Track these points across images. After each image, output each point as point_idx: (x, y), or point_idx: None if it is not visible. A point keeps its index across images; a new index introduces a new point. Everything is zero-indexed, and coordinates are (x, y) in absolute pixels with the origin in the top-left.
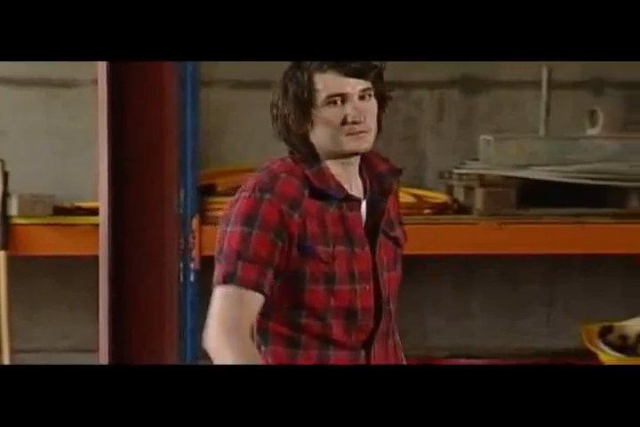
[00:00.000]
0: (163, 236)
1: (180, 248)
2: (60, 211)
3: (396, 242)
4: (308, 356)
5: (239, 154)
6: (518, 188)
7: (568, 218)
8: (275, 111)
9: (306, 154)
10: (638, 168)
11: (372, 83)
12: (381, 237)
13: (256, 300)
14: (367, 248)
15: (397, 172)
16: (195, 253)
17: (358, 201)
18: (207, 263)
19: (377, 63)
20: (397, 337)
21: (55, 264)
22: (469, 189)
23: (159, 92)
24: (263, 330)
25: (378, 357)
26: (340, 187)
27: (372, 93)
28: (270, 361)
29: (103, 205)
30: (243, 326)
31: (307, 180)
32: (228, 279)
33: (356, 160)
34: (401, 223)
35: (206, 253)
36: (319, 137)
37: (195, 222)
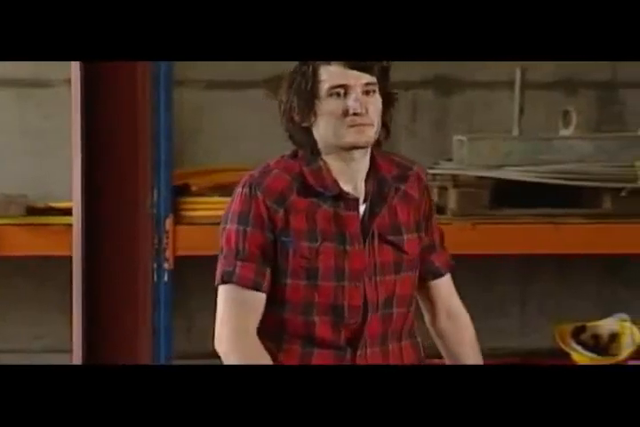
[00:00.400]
0: (136, 236)
1: (153, 248)
2: (33, 211)
3: (398, 248)
4: (290, 352)
5: (213, 154)
6: (492, 188)
7: (541, 218)
8: (281, 107)
9: (308, 149)
10: (611, 168)
11: (377, 78)
12: (376, 240)
13: (256, 298)
14: (361, 247)
15: (403, 179)
16: (168, 254)
17: (356, 200)
18: (181, 263)
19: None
20: (408, 342)
21: (28, 264)
22: (443, 190)
23: (133, 92)
24: None
25: (372, 361)
26: (334, 185)
27: (377, 89)
28: None
29: (77, 205)
30: (248, 326)
31: (301, 176)
32: (226, 278)
33: (362, 157)
34: (422, 231)
35: (180, 253)
36: (322, 130)
37: (168, 222)
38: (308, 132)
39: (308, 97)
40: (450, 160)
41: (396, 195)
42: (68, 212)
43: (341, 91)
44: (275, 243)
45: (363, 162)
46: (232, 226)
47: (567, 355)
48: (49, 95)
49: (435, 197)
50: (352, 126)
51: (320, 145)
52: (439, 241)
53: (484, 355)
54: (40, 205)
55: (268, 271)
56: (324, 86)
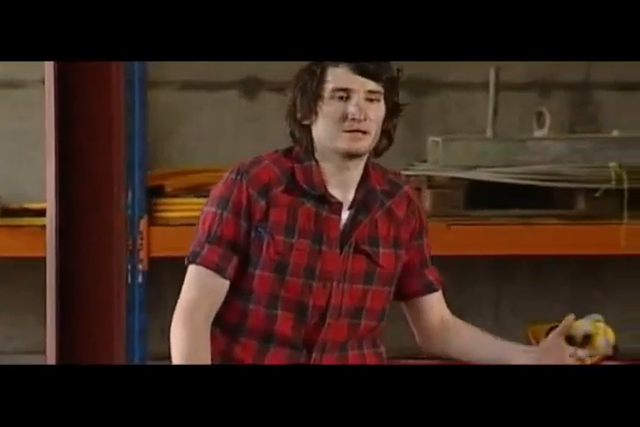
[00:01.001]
0: (110, 237)
1: (128, 249)
2: (7, 212)
3: (372, 259)
4: (246, 346)
5: (188, 155)
6: (466, 189)
7: (516, 219)
8: (288, 103)
9: (304, 147)
10: (585, 169)
11: (384, 87)
12: (353, 248)
13: (216, 282)
14: (337, 251)
15: (391, 195)
16: (143, 255)
17: (339, 204)
18: (156, 264)
19: (394, 69)
20: (371, 350)
21: (2, 266)
22: (417, 191)
23: (107, 92)
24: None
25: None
26: (321, 185)
27: (381, 98)
28: (211, 344)
29: (51, 206)
30: (198, 308)
31: (291, 172)
32: (192, 258)
33: (355, 167)
34: (402, 249)
35: (155, 254)
36: (319, 131)
37: (143, 223)
38: (308, 130)
39: (312, 96)
40: (424, 161)
41: (381, 208)
42: (42, 213)
43: (344, 94)
44: (248, 232)
45: (355, 171)
46: (210, 208)
47: None
48: (23, 96)
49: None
50: (347, 131)
51: (316, 145)
52: (430, 259)
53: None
54: (14, 206)
55: (236, 259)
56: (328, 87)
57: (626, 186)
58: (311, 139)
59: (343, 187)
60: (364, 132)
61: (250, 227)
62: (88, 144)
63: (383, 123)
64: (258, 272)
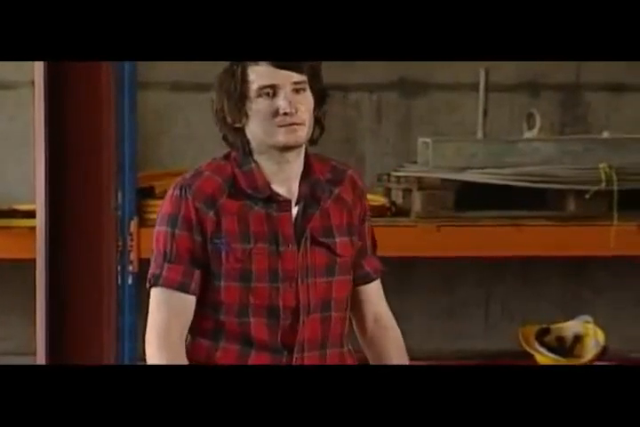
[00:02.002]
0: (100, 238)
1: (117, 251)
2: None
3: (331, 250)
4: (227, 351)
5: (178, 156)
6: (456, 190)
7: (506, 220)
8: (213, 108)
9: (240, 150)
10: (575, 171)
11: (308, 76)
12: (309, 242)
13: (183, 301)
14: (294, 249)
15: (337, 182)
16: (133, 256)
17: (288, 202)
18: (146, 266)
19: None
20: (346, 349)
21: None
22: (407, 192)
23: (97, 93)
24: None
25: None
26: (266, 186)
27: (306, 88)
28: (191, 353)
29: (40, 207)
30: (171, 330)
31: (233, 178)
32: (154, 281)
33: (295, 159)
34: (354, 235)
35: (145, 255)
36: (253, 130)
37: (133, 225)
38: (241, 132)
39: (238, 98)
40: (414, 162)
41: (330, 198)
42: (31, 214)
43: (270, 91)
44: (205, 245)
45: (296, 163)
46: (161, 228)
47: (531, 357)
48: (13, 97)
49: (399, 200)
50: (282, 126)
51: (253, 145)
52: (371, 246)
53: (449, 357)
54: (3, 207)
55: (198, 273)
56: (253, 87)
57: (615, 187)
58: (246, 140)
59: (287, 183)
60: (299, 124)
61: (205, 240)
62: (78, 145)
63: (313, 111)
64: (223, 284)
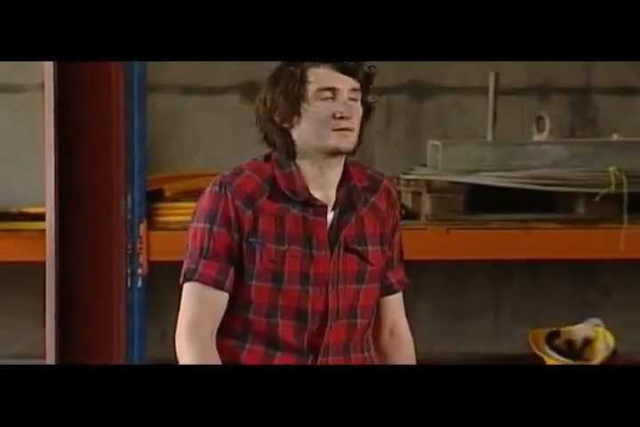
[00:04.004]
0: (110, 241)
1: (127, 254)
2: (5, 217)
3: (363, 258)
4: (253, 351)
5: (187, 159)
6: (466, 193)
7: (515, 223)
8: (261, 107)
9: (284, 151)
10: (585, 174)
11: (360, 84)
12: (342, 248)
13: (217, 297)
14: (327, 254)
15: (373, 191)
16: (142, 259)
17: (324, 207)
18: (155, 269)
19: (367, 65)
20: (368, 354)
21: (1, 270)
22: (417, 195)
23: (107, 96)
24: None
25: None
26: (304, 190)
27: (359, 97)
28: (218, 352)
29: (50, 210)
30: (203, 325)
31: (273, 179)
32: (188, 276)
33: (337, 165)
34: (386, 245)
35: (154, 258)
36: (304, 131)
37: (142, 228)
38: (287, 133)
39: (295, 98)
40: (424, 165)
41: (366, 206)
42: (40, 217)
43: (330, 94)
44: (240, 244)
45: (337, 169)
46: (199, 224)
47: (541, 360)
48: (22, 101)
49: (409, 203)
50: (336, 130)
51: (298, 148)
52: (398, 258)
53: (458, 360)
54: (13, 210)
55: (232, 271)
56: (312, 88)
57: (625, 190)
58: (292, 142)
59: (325, 188)
60: (352, 130)
61: (241, 238)
62: (87, 148)
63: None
64: (254, 283)
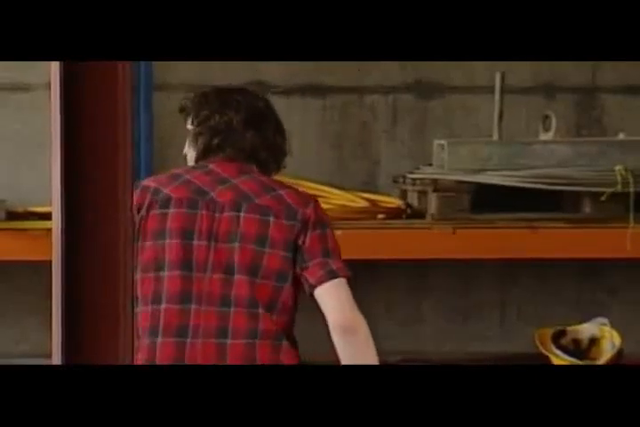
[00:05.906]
0: (117, 240)
1: (135, 253)
2: (12, 216)
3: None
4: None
5: None
6: (472, 192)
7: (521, 223)
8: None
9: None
10: (591, 173)
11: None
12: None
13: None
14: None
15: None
16: None
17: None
18: None
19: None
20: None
21: (8, 269)
22: (423, 194)
23: (113, 95)
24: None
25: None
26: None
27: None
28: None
29: (56, 209)
30: None
31: None
32: (347, 271)
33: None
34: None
35: None
36: None
37: None
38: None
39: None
40: (430, 165)
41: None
42: (46, 216)
43: None
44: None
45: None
46: (330, 229)
47: (547, 359)
48: (28, 100)
49: (415, 202)
50: None
51: None
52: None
53: (464, 360)
54: (19, 209)
55: None
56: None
57: (632, 189)
58: None
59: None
60: None
61: None
62: (94, 147)
63: None
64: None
